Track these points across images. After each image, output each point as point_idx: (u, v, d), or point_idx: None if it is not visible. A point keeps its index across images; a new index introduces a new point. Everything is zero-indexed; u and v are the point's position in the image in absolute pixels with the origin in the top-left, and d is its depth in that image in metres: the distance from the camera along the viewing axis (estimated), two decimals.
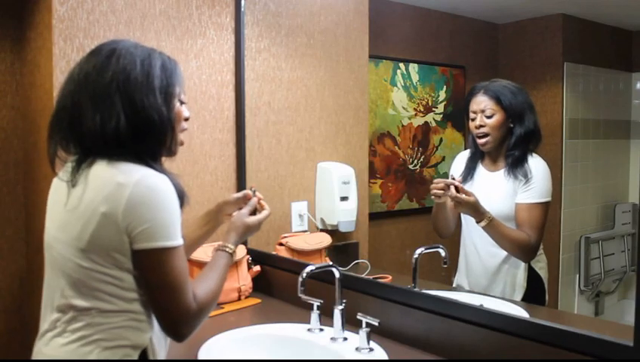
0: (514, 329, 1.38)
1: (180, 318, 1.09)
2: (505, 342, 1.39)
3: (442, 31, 2.95)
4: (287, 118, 2.38)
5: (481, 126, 1.79)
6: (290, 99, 2.38)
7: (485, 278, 1.83)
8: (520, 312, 1.59)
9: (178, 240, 1.10)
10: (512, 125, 1.78)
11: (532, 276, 1.77)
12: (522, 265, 1.76)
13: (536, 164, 1.76)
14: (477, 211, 1.70)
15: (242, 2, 2.26)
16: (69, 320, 1.11)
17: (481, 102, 1.79)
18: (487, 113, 1.78)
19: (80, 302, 1.10)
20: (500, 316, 1.44)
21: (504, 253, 1.76)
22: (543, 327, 1.33)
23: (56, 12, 1.89)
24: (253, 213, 1.43)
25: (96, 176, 1.10)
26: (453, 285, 1.92)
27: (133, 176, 1.08)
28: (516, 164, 1.75)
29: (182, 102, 1.23)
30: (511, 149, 1.77)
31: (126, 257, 1.09)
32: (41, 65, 2.02)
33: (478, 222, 1.71)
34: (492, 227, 1.70)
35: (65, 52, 1.91)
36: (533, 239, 1.71)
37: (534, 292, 1.78)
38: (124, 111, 1.10)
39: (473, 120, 1.82)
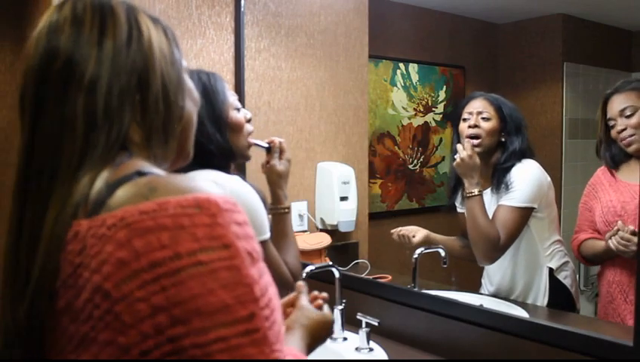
0: (514, 329, 1.38)
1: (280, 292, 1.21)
2: (505, 342, 1.39)
3: (442, 31, 2.96)
4: (287, 118, 2.38)
5: (475, 126, 1.70)
6: (290, 99, 2.38)
7: (504, 286, 1.76)
8: (520, 312, 1.59)
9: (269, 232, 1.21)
10: (503, 139, 1.71)
11: (555, 286, 1.68)
12: (544, 276, 1.67)
13: (521, 168, 1.68)
14: (470, 180, 1.65)
15: (242, 2, 2.25)
16: None
17: (480, 106, 1.73)
18: (484, 115, 1.71)
19: None
20: (499, 316, 1.44)
21: (522, 260, 1.70)
22: (543, 327, 1.33)
23: None
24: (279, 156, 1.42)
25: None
26: (481, 291, 1.86)
27: (226, 176, 1.13)
28: (502, 180, 1.68)
29: (237, 109, 1.24)
30: (500, 164, 1.70)
31: None
32: None
33: (468, 194, 1.64)
34: (477, 202, 1.63)
35: None
36: (502, 240, 1.62)
37: (560, 303, 1.68)
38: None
39: (466, 120, 1.73)
